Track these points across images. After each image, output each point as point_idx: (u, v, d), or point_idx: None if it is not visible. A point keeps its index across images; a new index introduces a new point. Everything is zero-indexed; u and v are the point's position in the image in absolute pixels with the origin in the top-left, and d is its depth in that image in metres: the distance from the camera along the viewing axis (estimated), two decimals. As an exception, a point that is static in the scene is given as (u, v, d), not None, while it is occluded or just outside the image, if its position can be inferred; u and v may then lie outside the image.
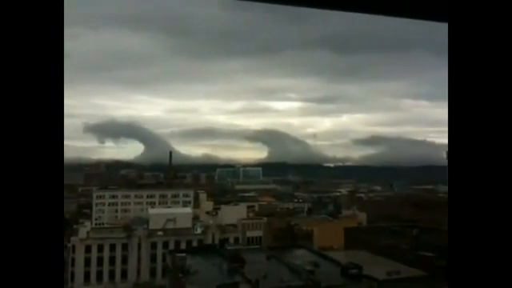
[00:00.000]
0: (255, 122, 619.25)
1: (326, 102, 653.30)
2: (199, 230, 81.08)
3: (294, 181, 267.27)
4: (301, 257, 47.90)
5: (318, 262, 43.96)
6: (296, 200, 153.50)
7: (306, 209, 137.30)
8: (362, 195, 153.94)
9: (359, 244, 55.47)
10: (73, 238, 75.69)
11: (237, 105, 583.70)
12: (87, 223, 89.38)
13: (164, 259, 68.80)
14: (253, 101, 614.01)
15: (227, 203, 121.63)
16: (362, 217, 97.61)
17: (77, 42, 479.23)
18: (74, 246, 73.64)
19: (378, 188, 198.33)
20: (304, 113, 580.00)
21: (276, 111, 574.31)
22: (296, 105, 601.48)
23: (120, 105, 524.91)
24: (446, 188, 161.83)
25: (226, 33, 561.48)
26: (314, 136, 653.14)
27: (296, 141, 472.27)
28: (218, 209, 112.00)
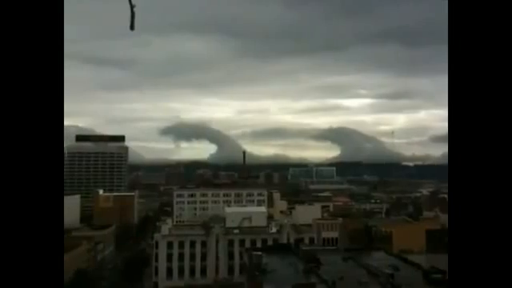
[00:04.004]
0: (325, 121, 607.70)
1: (398, 98, 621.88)
2: (274, 229, 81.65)
3: (370, 181, 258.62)
4: (379, 259, 46.11)
5: (398, 265, 42.03)
6: (373, 201, 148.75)
7: (383, 210, 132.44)
8: (446, 196, 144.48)
9: (442, 247, 52.17)
10: (156, 235, 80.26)
11: (304, 104, 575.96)
12: (169, 220, 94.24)
13: (241, 257, 70.26)
14: (321, 99, 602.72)
15: (301, 203, 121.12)
16: (446, 219, 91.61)
17: (146, 49, 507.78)
18: (157, 242, 77.91)
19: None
20: (376, 109, 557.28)
21: (346, 109, 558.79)
22: (367, 101, 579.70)
23: (191, 107, 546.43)
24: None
25: (286, 32, 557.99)
26: (392, 133, 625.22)
27: (369, 138, 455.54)
28: (293, 208, 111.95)
